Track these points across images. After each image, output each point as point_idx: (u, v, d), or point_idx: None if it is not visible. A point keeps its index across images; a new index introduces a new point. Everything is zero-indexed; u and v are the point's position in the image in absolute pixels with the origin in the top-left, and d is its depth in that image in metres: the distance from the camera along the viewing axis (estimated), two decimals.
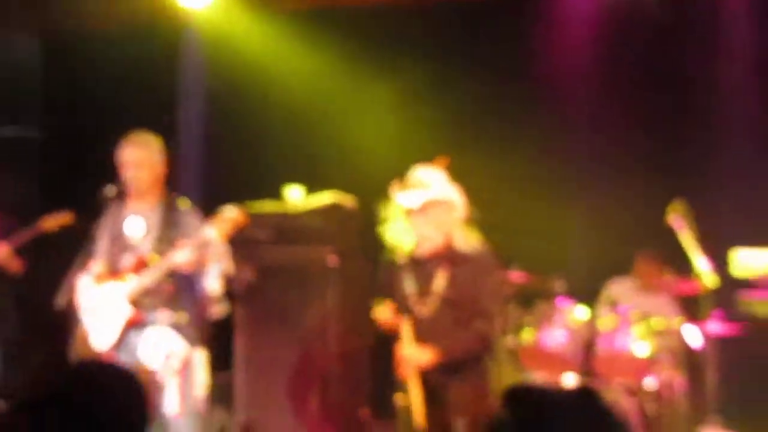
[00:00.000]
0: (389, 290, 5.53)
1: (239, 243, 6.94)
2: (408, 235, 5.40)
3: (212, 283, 6.17)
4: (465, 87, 8.61)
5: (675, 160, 8.34)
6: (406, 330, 5.33)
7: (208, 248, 6.04)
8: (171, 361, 6.03)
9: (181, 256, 5.99)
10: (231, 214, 6.03)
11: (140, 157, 6.20)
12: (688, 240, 6.95)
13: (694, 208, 7.02)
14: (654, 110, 8.47)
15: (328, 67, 8.85)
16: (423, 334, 5.34)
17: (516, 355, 7.45)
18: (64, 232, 7.56)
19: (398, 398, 5.35)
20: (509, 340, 7.44)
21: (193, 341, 6.18)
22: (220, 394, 7.41)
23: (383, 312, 5.48)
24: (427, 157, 5.52)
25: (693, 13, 8.40)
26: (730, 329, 6.98)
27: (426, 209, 5.34)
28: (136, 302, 6.11)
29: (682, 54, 8.39)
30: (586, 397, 2.45)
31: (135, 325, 6.12)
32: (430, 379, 5.31)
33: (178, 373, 6.04)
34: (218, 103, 9.04)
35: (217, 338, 6.81)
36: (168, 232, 6.14)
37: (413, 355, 5.31)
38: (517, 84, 8.58)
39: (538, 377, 7.41)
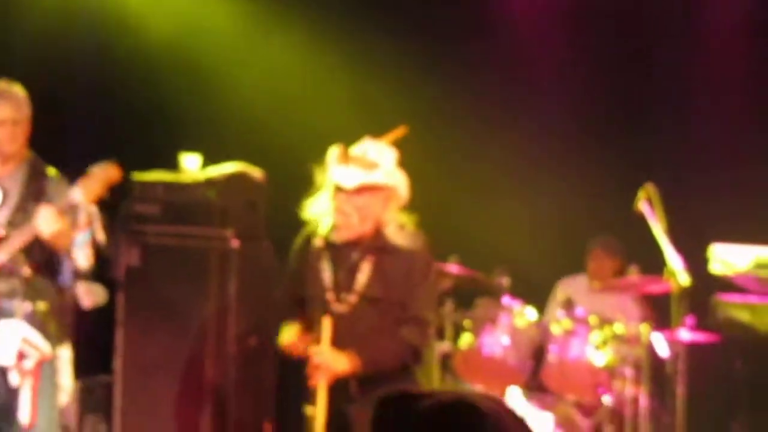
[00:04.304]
0: (301, 279, 5.11)
1: (121, 219, 6.75)
2: (328, 215, 4.98)
3: (80, 257, 5.70)
4: (405, 50, 8.00)
5: (645, 142, 7.96)
6: (325, 329, 4.93)
7: (76, 215, 5.56)
8: (25, 361, 5.48)
9: (42, 226, 5.44)
10: (100, 170, 5.52)
11: (3, 113, 5.66)
12: (658, 232, 6.51)
13: (667, 198, 6.58)
14: (621, 88, 8.02)
15: (234, 15, 8.29)
16: (338, 335, 4.93)
17: (451, 363, 7.18)
18: None
19: (308, 410, 4.99)
20: (444, 346, 7.17)
21: (56, 337, 5.64)
22: (95, 402, 7.04)
23: (290, 335, 5.12)
24: (352, 131, 5.08)
25: None
26: (703, 337, 6.65)
27: (361, 193, 4.86)
28: None
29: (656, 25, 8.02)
30: (456, 413, 2.25)
31: None
32: (346, 391, 4.95)
33: (33, 376, 5.49)
34: (109, 53, 8.30)
35: (92, 334, 6.50)
36: (29, 203, 5.65)
37: (329, 361, 4.90)
38: (467, 53, 8.13)
39: (476, 390, 7.08)
